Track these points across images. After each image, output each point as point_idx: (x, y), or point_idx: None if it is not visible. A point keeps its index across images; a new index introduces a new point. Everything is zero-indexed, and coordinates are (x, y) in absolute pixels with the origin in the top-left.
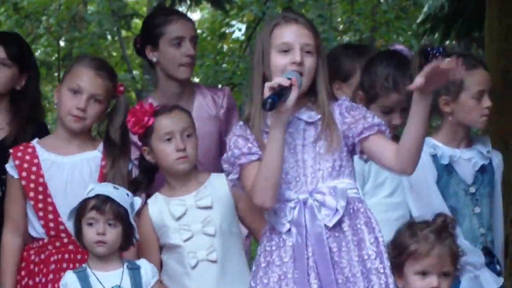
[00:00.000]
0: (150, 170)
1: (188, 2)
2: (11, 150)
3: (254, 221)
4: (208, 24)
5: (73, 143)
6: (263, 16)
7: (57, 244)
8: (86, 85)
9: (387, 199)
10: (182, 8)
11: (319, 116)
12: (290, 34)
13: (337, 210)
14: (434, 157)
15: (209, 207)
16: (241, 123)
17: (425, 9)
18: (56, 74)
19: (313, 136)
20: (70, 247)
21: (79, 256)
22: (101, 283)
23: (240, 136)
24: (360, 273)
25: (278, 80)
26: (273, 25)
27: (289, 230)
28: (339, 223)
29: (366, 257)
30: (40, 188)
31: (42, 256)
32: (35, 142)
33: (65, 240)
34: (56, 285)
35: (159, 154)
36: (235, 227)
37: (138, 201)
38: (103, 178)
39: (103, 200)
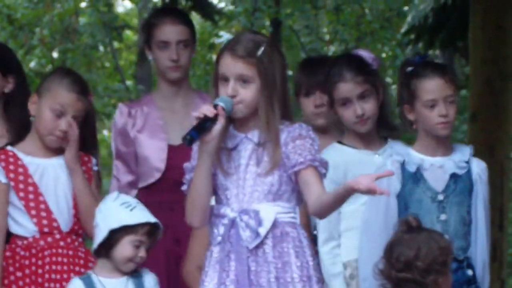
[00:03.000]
0: None
1: None
2: None
3: None
4: (198, 34)
5: (49, 149)
6: (251, 27)
7: (49, 240)
8: (69, 108)
9: (363, 206)
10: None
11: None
12: (226, 66)
13: (258, 234)
14: (402, 164)
15: None
16: None
17: (409, 19)
18: None
19: (257, 157)
20: (61, 243)
21: (70, 252)
22: None
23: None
24: None
25: (204, 110)
26: (219, 53)
27: (219, 243)
28: (262, 244)
29: (289, 279)
30: (30, 188)
31: (33, 251)
32: (10, 147)
33: (57, 236)
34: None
35: None
36: None
37: None
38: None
39: (155, 228)
